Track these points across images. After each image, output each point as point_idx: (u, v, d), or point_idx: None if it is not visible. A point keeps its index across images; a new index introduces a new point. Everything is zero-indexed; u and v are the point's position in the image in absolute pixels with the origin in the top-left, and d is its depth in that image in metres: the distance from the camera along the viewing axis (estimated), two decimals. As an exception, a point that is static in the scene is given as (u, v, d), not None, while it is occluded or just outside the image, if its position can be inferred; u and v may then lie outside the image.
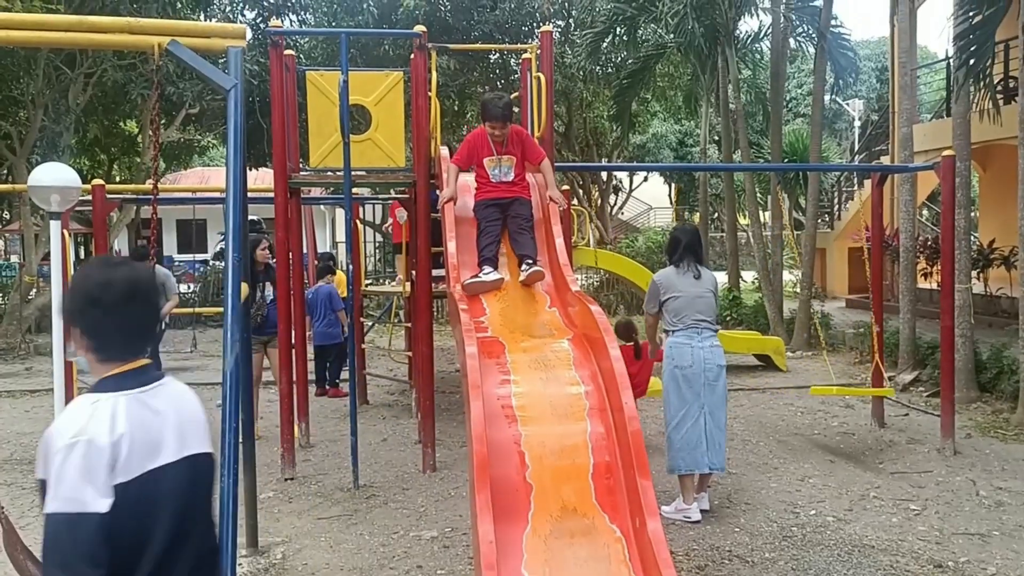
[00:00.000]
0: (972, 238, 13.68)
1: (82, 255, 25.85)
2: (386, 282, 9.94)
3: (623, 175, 30.43)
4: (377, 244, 20.07)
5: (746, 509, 5.66)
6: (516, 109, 7.82)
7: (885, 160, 16.59)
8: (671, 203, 33.82)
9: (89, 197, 7.19)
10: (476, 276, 5.20)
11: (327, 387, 9.69)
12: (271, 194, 6.67)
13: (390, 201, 10.53)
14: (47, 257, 7.54)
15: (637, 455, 3.71)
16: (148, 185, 4.34)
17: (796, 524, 5.34)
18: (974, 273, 12.20)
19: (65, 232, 6.91)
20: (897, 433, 7.69)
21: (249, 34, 14.82)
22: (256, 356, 7.55)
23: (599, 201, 25.79)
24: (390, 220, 9.83)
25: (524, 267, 5.23)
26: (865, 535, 5.13)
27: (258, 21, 15.24)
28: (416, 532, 5.27)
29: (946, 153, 7.18)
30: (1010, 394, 8.44)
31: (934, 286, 13.02)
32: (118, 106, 16.23)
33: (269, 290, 7.67)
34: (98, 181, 7.30)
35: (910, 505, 5.69)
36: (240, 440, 3.65)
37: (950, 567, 4.65)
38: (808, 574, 4.56)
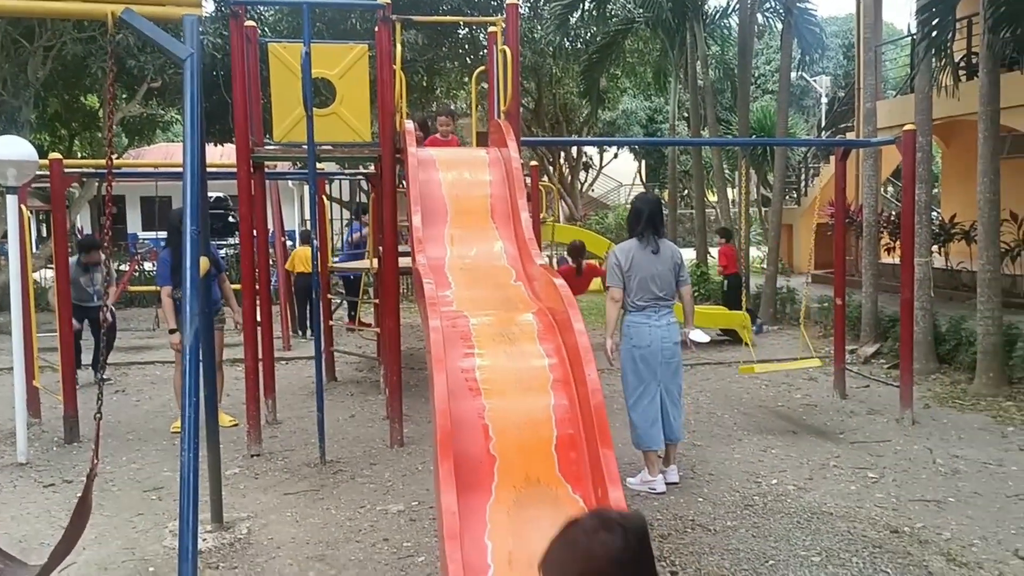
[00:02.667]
0: (934, 213, 13.92)
1: (44, 233, 25.43)
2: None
3: (593, 152, 30.44)
4: (345, 221, 19.94)
5: (710, 480, 5.75)
6: (484, 85, 7.81)
7: (851, 136, 16.75)
8: (640, 181, 33.91)
9: (47, 172, 7.07)
10: None
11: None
12: (235, 169, 6.59)
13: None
14: (6, 235, 7.39)
15: (600, 426, 3.74)
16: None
17: (758, 493, 5.43)
18: (936, 248, 12.43)
19: (23, 207, 6.78)
20: (858, 404, 7.83)
21: (211, 5, 14.56)
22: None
23: (569, 178, 25.79)
24: None
25: None
26: (824, 503, 5.24)
27: (221, -7, 14.96)
28: (383, 506, 5.29)
29: (907, 128, 7.26)
30: (968, 365, 8.62)
31: (897, 261, 13.22)
32: (78, 80, 15.90)
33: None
34: (55, 155, 7.17)
35: (868, 473, 5.81)
36: (203, 415, 3.64)
37: (906, 532, 4.75)
38: (768, 541, 4.65)
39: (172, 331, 6.85)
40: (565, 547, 1.63)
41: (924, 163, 8.83)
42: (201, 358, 3.82)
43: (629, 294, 5.55)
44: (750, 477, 5.77)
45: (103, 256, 8.90)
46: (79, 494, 3.60)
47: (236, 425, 7.05)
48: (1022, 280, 12.14)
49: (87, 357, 9.26)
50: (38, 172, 6.90)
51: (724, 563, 4.39)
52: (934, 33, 7.94)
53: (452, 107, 7.90)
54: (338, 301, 11.90)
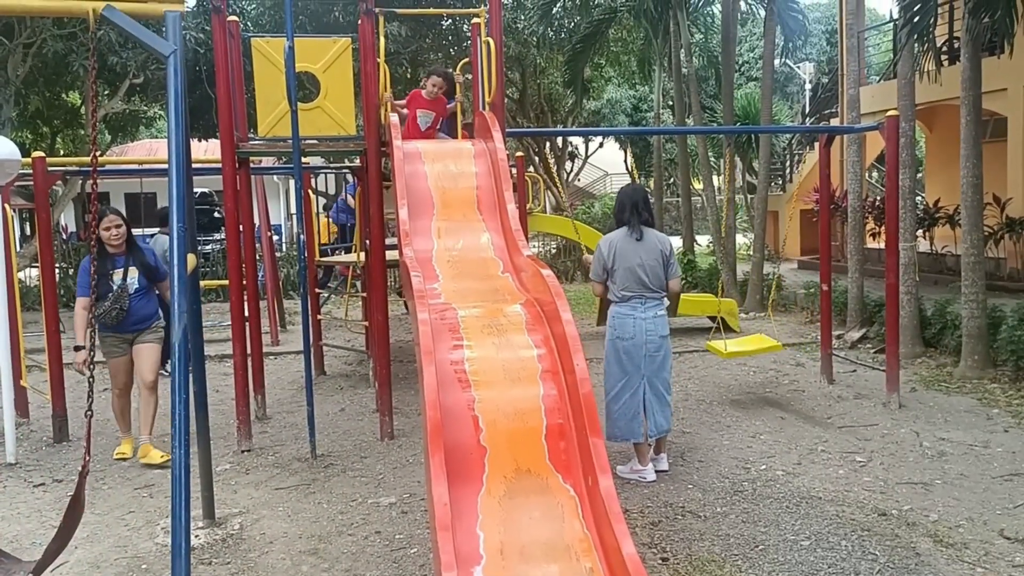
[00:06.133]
0: (919, 198, 14.01)
1: (27, 231, 25.26)
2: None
3: (579, 142, 30.44)
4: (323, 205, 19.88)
5: (699, 467, 5.78)
6: (468, 76, 7.79)
7: (835, 122, 16.81)
8: (628, 170, 33.92)
9: (30, 171, 7.02)
10: None
11: None
12: (220, 165, 6.56)
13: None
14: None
15: (589, 416, 3.76)
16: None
17: (747, 479, 5.47)
18: (920, 232, 12.52)
19: (7, 207, 6.74)
20: (845, 389, 7.89)
21: (192, 0, 14.46)
22: (117, 361, 6.19)
23: (555, 168, 25.78)
24: None
25: None
26: (813, 487, 5.28)
27: (202, -13, 14.85)
28: (375, 499, 5.30)
29: (890, 114, 7.30)
30: (953, 348, 8.69)
31: (882, 246, 13.30)
32: (60, 77, 15.78)
33: (134, 276, 6.12)
34: (38, 153, 7.12)
35: (856, 457, 5.86)
36: (192, 411, 3.64)
37: (894, 515, 4.81)
38: (758, 526, 4.69)
39: (77, 348, 5.78)
40: None
41: (907, 148, 8.89)
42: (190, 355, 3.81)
43: (614, 284, 5.54)
44: (739, 463, 5.81)
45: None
46: (70, 492, 3.60)
47: (166, 461, 6.00)
48: (1006, 263, 12.25)
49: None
50: (21, 171, 6.86)
51: (715, 549, 4.43)
52: (916, 19, 7.98)
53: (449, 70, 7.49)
54: (326, 295, 11.89)
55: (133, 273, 6.14)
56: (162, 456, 6.07)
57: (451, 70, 7.37)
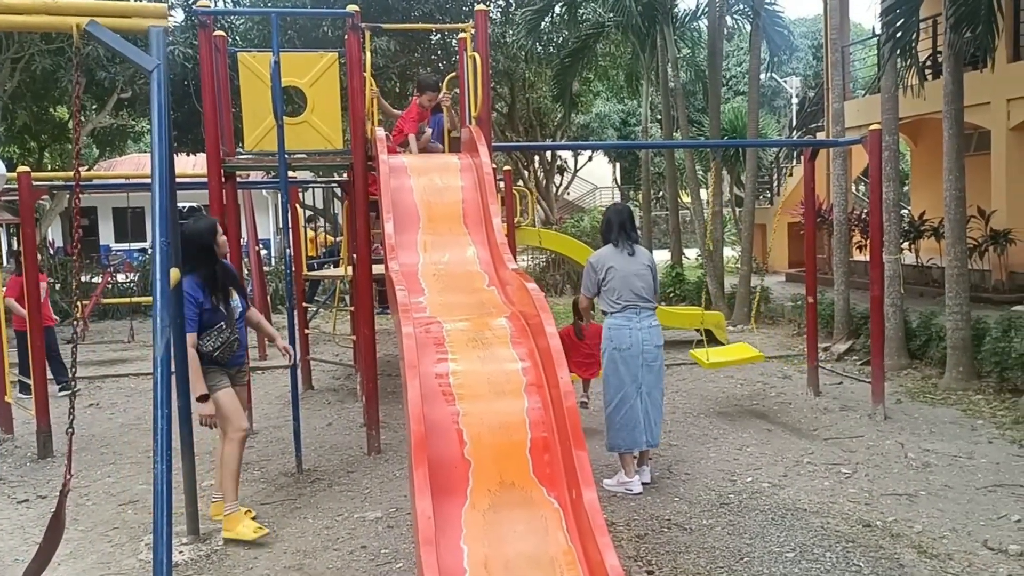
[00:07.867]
0: (904, 211, 14.11)
1: (14, 245, 25.14)
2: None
3: (568, 155, 30.54)
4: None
5: (686, 479, 5.79)
6: (455, 90, 7.83)
7: (821, 136, 16.93)
8: (616, 183, 34.09)
9: (16, 185, 7.01)
10: None
11: None
12: (207, 179, 6.57)
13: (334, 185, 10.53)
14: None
15: (573, 429, 3.77)
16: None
17: (733, 491, 5.48)
18: (906, 244, 12.60)
19: (-8, 222, 6.73)
20: (831, 401, 7.92)
21: (180, 15, 14.49)
22: (226, 392, 4.92)
23: (544, 181, 25.84)
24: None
25: None
26: (798, 499, 5.30)
27: (190, 2, 14.89)
28: (360, 514, 5.28)
29: (873, 127, 7.37)
30: (938, 360, 8.73)
31: (868, 258, 13.38)
32: (47, 92, 15.78)
33: (235, 298, 5.08)
34: (23, 168, 7.11)
35: (841, 469, 5.88)
36: (176, 426, 3.63)
37: (878, 526, 4.82)
38: (743, 538, 4.70)
39: (201, 398, 4.71)
40: None
41: (891, 162, 8.96)
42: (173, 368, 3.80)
43: (610, 295, 5.59)
44: (726, 475, 5.82)
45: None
46: (53, 510, 3.58)
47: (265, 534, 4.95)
48: (990, 275, 12.33)
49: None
50: (6, 185, 6.84)
51: (700, 561, 4.43)
52: (898, 34, 8.06)
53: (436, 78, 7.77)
54: (314, 309, 11.88)
55: (232, 294, 5.05)
56: (257, 530, 4.91)
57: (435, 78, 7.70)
